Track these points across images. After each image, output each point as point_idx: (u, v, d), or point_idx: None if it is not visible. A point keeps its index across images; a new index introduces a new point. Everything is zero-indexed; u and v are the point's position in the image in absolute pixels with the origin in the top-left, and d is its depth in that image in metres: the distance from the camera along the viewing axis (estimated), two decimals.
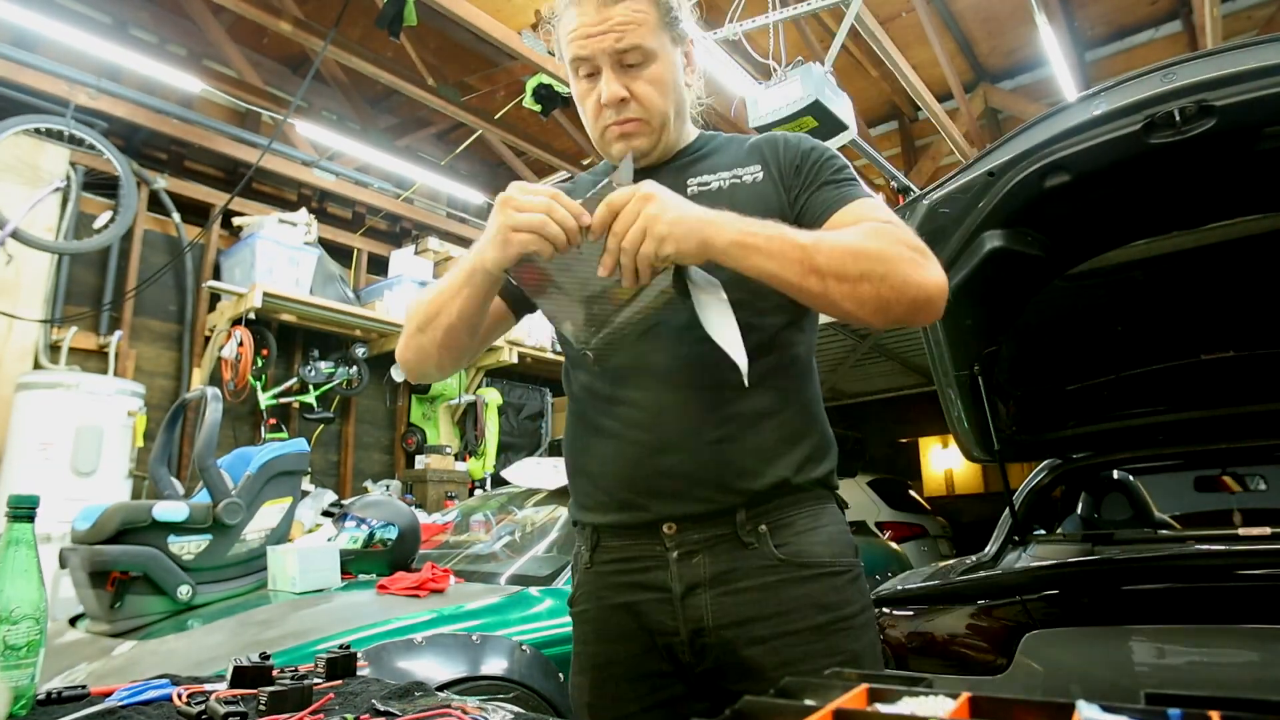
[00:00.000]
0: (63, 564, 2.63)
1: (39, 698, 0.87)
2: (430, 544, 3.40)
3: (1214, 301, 2.38)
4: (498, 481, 5.80)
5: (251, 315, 5.26)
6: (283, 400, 5.88)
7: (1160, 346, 2.51)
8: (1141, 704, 0.59)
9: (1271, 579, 1.81)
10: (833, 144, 4.15)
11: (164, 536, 2.59)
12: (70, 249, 4.89)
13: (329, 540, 2.99)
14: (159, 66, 5.00)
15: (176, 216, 5.51)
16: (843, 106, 3.98)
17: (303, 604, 2.46)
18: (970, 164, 1.88)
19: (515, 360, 6.73)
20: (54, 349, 4.86)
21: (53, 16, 4.54)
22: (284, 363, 6.07)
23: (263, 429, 5.73)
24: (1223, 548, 2.35)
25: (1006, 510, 2.87)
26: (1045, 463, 3.06)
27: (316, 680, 0.97)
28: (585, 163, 7.24)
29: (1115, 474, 3.18)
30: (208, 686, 0.95)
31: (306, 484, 5.54)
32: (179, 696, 0.89)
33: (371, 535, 2.98)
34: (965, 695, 0.62)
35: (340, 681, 1.00)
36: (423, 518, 3.95)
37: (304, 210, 6.01)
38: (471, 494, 6.12)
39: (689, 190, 1.16)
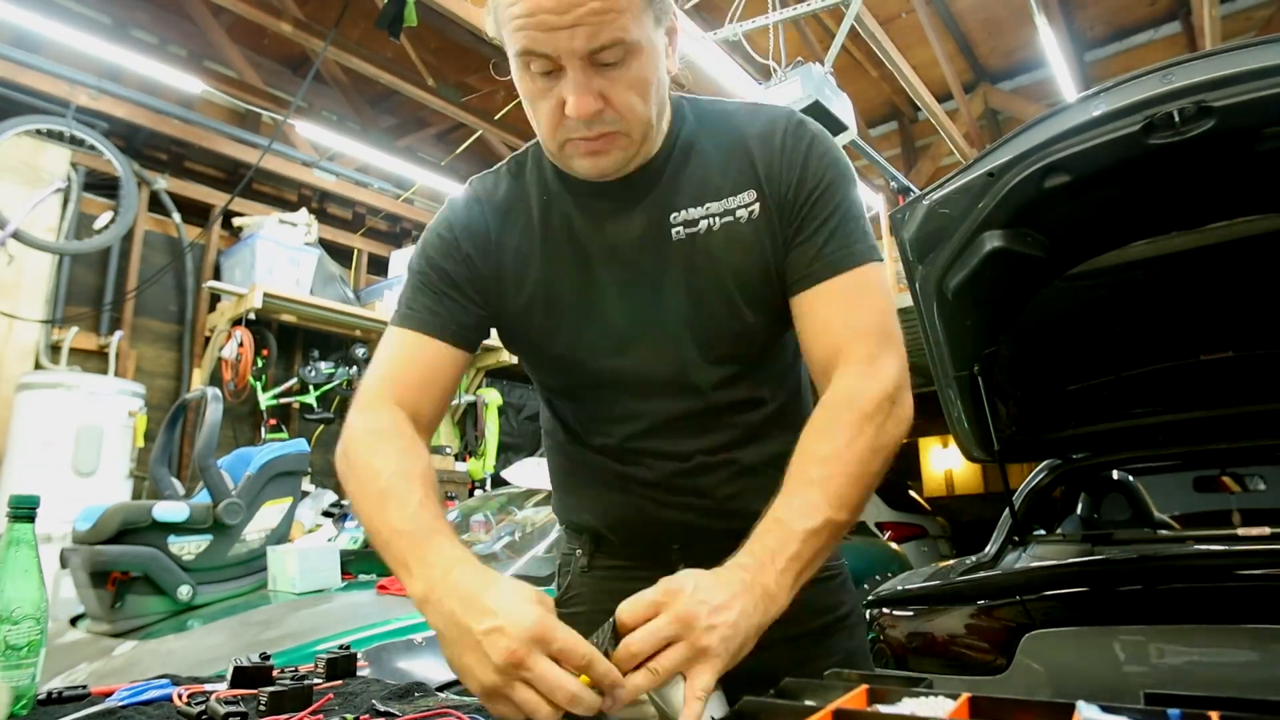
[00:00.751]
0: (63, 564, 2.63)
1: (40, 697, 0.87)
2: None
3: (1213, 302, 2.38)
4: (498, 482, 5.80)
5: (252, 315, 5.26)
6: (283, 400, 5.88)
7: (1160, 346, 2.51)
8: (1141, 704, 0.59)
9: (1271, 579, 1.81)
10: None
11: (164, 537, 2.60)
12: (71, 249, 4.89)
13: (329, 540, 2.99)
14: (159, 67, 5.01)
15: (177, 217, 5.52)
16: (843, 107, 3.98)
17: (303, 604, 2.46)
18: (970, 164, 1.88)
19: (515, 360, 6.70)
20: (55, 349, 4.87)
21: (53, 17, 4.54)
22: (284, 363, 6.07)
23: (263, 429, 5.73)
24: (1222, 548, 2.35)
25: (1006, 510, 2.86)
26: (1045, 463, 3.05)
27: (316, 680, 0.97)
28: None
29: (1115, 474, 3.18)
30: (208, 687, 0.95)
31: (306, 484, 5.54)
32: (179, 697, 0.89)
33: None
34: (965, 695, 0.62)
35: (340, 682, 1.00)
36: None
37: (304, 210, 6.02)
38: (471, 494, 6.12)
39: (674, 234, 0.95)
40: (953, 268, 1.98)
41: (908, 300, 2.17)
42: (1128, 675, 1.83)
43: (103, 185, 5.11)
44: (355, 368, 6.12)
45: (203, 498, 2.79)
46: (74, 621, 2.69)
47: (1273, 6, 6.48)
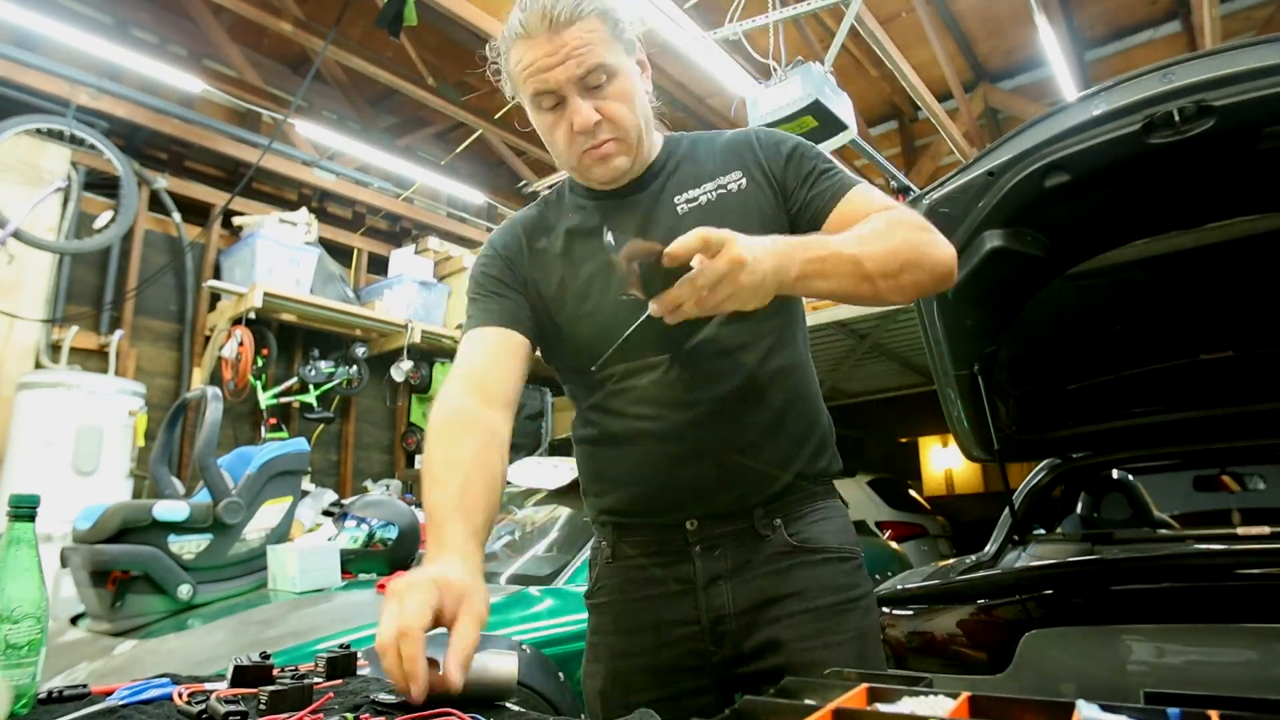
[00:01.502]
0: (64, 563, 2.63)
1: (40, 696, 0.87)
2: None
3: (1214, 301, 2.38)
4: None
5: (252, 315, 5.26)
6: (283, 400, 5.88)
7: (1160, 346, 2.51)
8: (1141, 703, 0.59)
9: (1270, 578, 1.82)
10: (832, 144, 4.18)
11: (164, 536, 2.60)
12: (71, 249, 4.89)
13: (329, 540, 2.99)
14: (159, 66, 5.01)
15: (177, 216, 5.52)
16: (843, 106, 3.98)
17: (303, 603, 2.46)
18: (970, 164, 1.88)
19: None
20: (55, 349, 4.87)
21: (53, 16, 4.54)
22: (284, 362, 6.07)
23: (263, 429, 5.73)
24: (1222, 547, 2.35)
25: (1006, 510, 2.87)
26: (1045, 462, 3.05)
27: (317, 680, 0.97)
28: None
29: (1115, 474, 3.18)
30: (208, 686, 0.95)
31: (306, 484, 5.55)
32: (179, 696, 0.89)
33: (371, 535, 2.98)
34: (965, 695, 0.62)
35: (340, 681, 1.00)
36: (423, 518, 3.95)
37: (304, 210, 6.02)
38: None
39: (679, 209, 1.16)
40: None
41: None
42: (1128, 674, 1.83)
43: (103, 185, 5.11)
44: (355, 367, 6.12)
45: (203, 497, 2.79)
46: (74, 621, 2.70)
47: (1273, 6, 6.47)
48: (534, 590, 2.61)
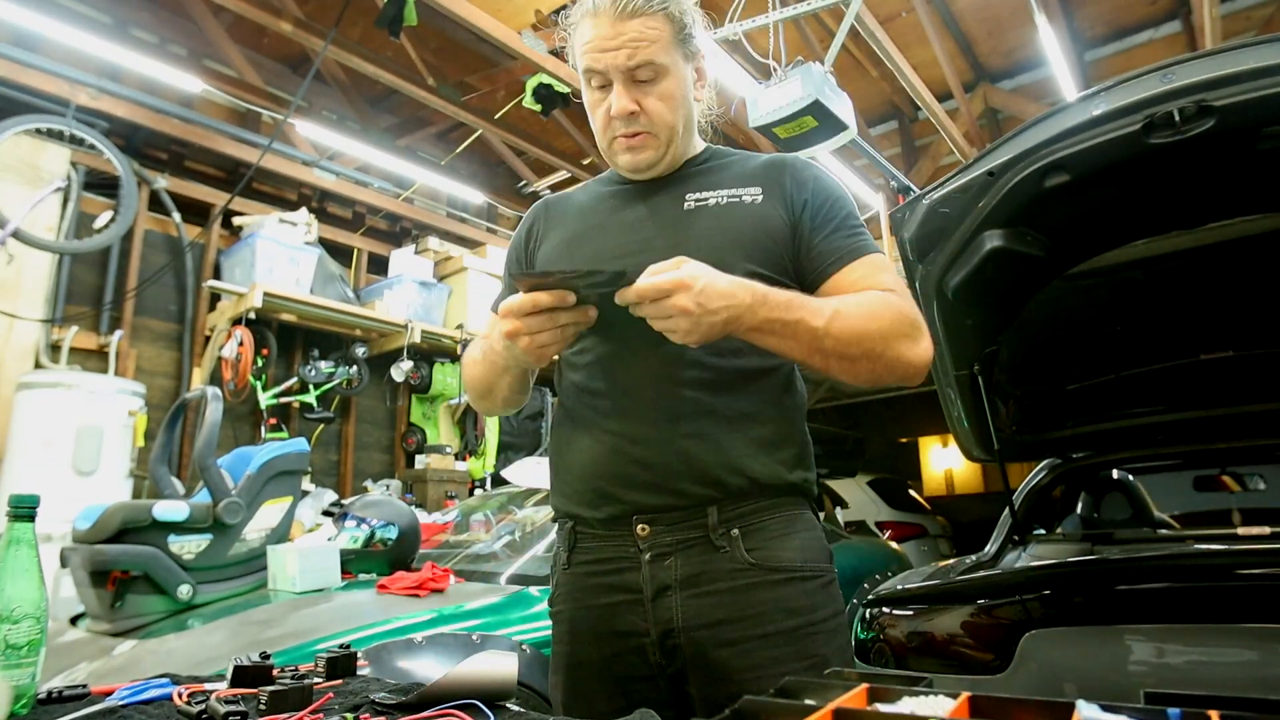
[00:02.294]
0: (63, 563, 2.63)
1: (40, 697, 0.87)
2: (430, 544, 3.40)
3: (1214, 301, 2.38)
4: (498, 481, 5.81)
5: (252, 315, 5.26)
6: (283, 400, 5.88)
7: (1160, 346, 2.51)
8: (1141, 703, 0.59)
9: (1271, 578, 1.82)
10: (832, 144, 4.17)
11: (164, 536, 2.60)
12: (71, 249, 4.89)
13: (329, 540, 2.99)
14: (159, 66, 5.01)
15: (177, 216, 5.51)
16: (843, 106, 3.98)
17: (303, 604, 2.46)
18: (970, 164, 1.88)
19: None
20: (55, 349, 4.87)
21: (53, 16, 4.54)
22: (284, 362, 6.07)
23: (263, 429, 5.73)
24: (1222, 547, 2.35)
25: (1006, 510, 2.87)
26: (1045, 462, 3.06)
27: (316, 680, 0.97)
28: (585, 162, 7.24)
29: (1115, 474, 3.18)
30: (208, 686, 0.95)
31: (306, 484, 5.55)
32: (179, 696, 0.89)
33: (371, 535, 2.98)
34: (965, 695, 0.62)
35: (340, 681, 1.00)
36: (423, 517, 3.95)
37: (304, 210, 6.01)
38: (471, 494, 6.12)
39: (686, 204, 1.19)
40: (953, 267, 1.98)
41: None
42: (1128, 675, 1.83)
43: (103, 184, 5.11)
44: (355, 367, 6.12)
45: (203, 497, 2.79)
46: (74, 621, 2.69)
47: (1273, 6, 6.47)
48: (534, 590, 2.61)
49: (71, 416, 4.30)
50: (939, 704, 0.62)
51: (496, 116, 6.20)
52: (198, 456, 2.77)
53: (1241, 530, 2.50)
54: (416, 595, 2.49)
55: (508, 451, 6.90)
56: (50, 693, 0.89)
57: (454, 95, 5.91)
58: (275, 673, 0.95)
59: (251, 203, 6.02)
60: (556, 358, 1.28)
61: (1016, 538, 2.79)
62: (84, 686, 0.93)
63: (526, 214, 1.37)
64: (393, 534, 2.96)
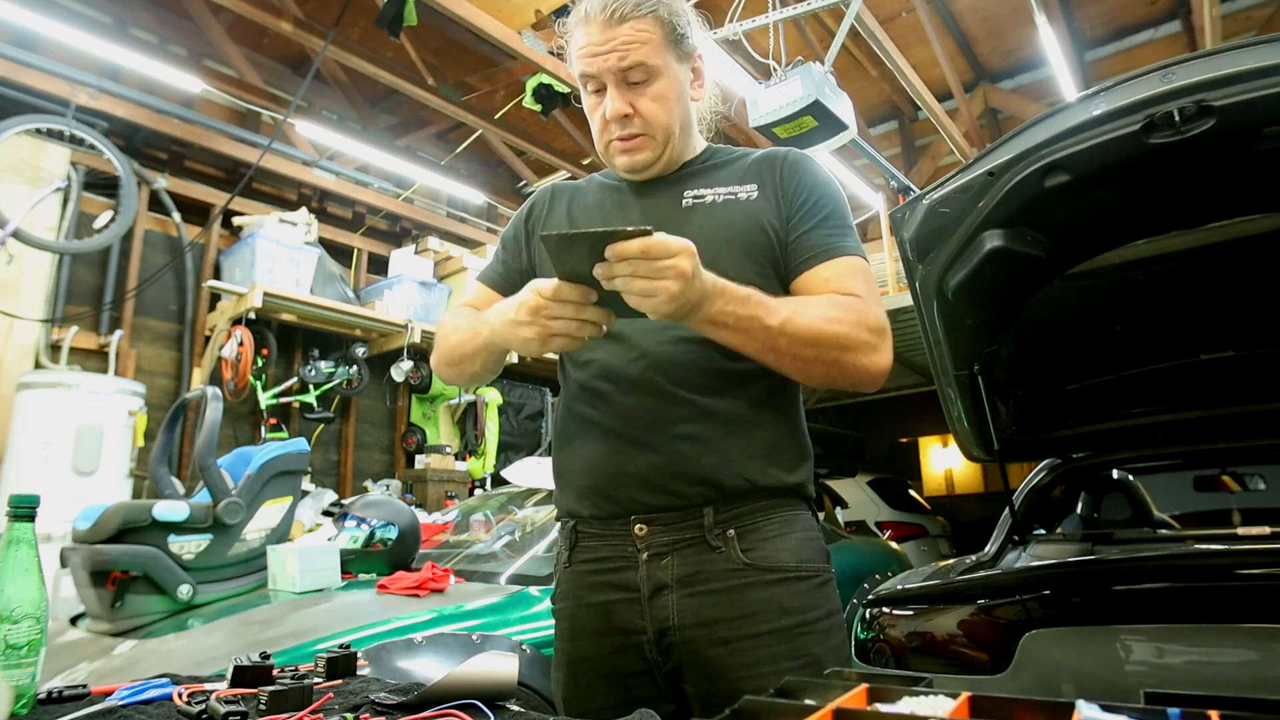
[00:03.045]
0: (63, 563, 2.63)
1: (40, 697, 0.87)
2: (430, 544, 3.40)
3: (1214, 301, 2.38)
4: (498, 481, 5.81)
5: (252, 315, 5.26)
6: (283, 400, 5.88)
7: (1160, 346, 2.51)
8: (1141, 703, 0.59)
9: (1271, 579, 1.81)
10: (832, 144, 4.18)
11: (164, 536, 2.60)
12: (71, 249, 4.89)
13: (329, 540, 2.99)
14: (159, 66, 5.01)
15: (177, 216, 5.51)
16: (843, 106, 3.98)
17: (303, 604, 2.46)
18: (970, 164, 1.88)
19: (515, 360, 6.72)
20: (54, 349, 4.87)
21: (53, 16, 4.54)
22: (284, 362, 6.07)
23: (263, 429, 5.73)
24: (1222, 547, 2.35)
25: (1006, 510, 2.87)
26: (1045, 462, 3.06)
27: (316, 680, 0.97)
28: (585, 162, 7.24)
29: (1115, 474, 3.19)
30: (208, 686, 0.95)
31: (306, 484, 5.54)
32: (179, 696, 0.89)
33: (371, 535, 2.98)
34: (965, 695, 0.62)
35: (340, 681, 1.00)
36: (423, 517, 3.95)
37: (304, 210, 6.01)
38: (471, 494, 6.12)
39: (684, 201, 1.21)
40: (953, 267, 1.98)
41: (907, 300, 2.17)
42: (1128, 675, 1.83)
43: (103, 184, 5.11)
44: (355, 367, 6.12)
45: (203, 497, 2.79)
46: (74, 621, 2.69)
47: (1273, 6, 6.47)
48: (534, 590, 2.61)
49: (71, 416, 4.30)
50: (939, 704, 0.62)
51: (496, 116, 6.20)
52: (198, 456, 2.77)
53: (1241, 530, 2.50)
54: (416, 595, 2.49)
55: (507, 452, 6.90)
56: (50, 693, 0.89)
57: (454, 95, 5.91)
58: (275, 673, 0.95)
59: (251, 203, 6.02)
60: (556, 356, 1.28)
61: (1016, 538, 2.79)
62: (84, 686, 0.93)
63: (532, 196, 1.39)
64: (393, 534, 2.96)
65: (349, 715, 0.81)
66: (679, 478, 1.12)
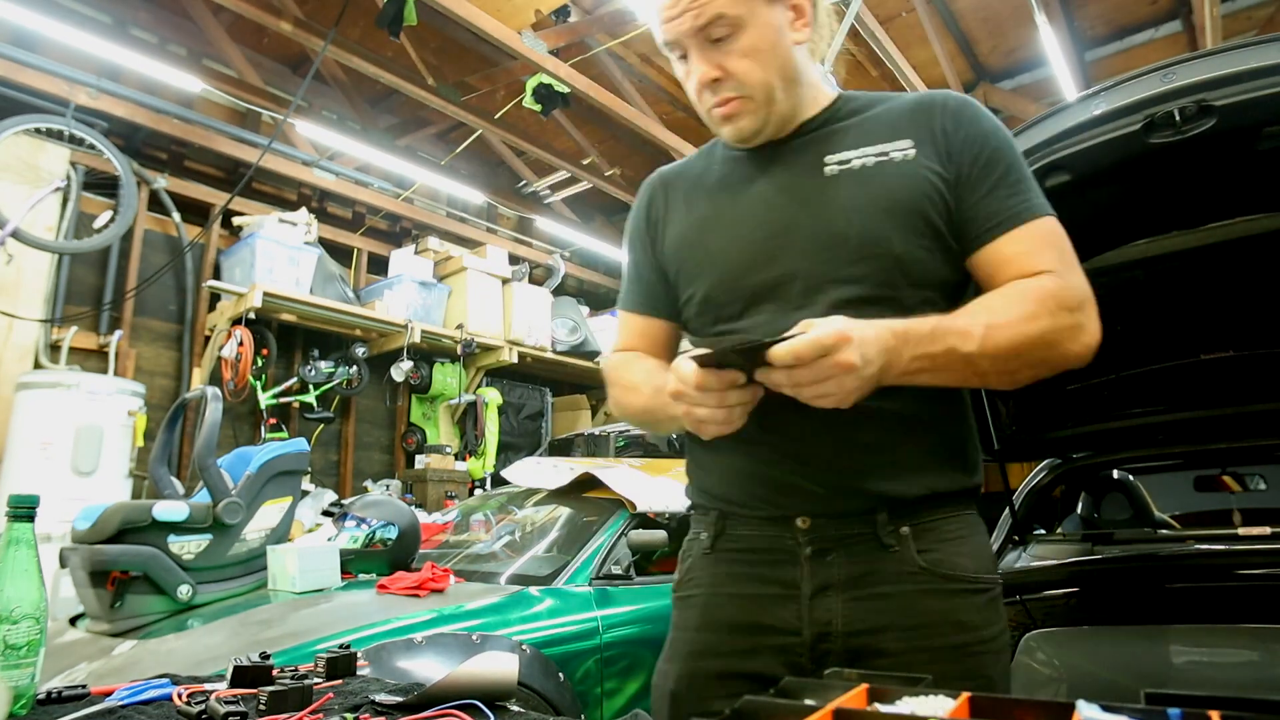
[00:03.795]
0: (63, 563, 2.63)
1: (39, 697, 0.87)
2: (430, 544, 3.40)
3: (1214, 301, 2.38)
4: (498, 481, 5.80)
5: (251, 315, 5.26)
6: (283, 400, 5.88)
7: (1160, 346, 2.51)
8: (1141, 704, 0.59)
9: (1271, 578, 1.81)
10: None
11: (164, 536, 2.60)
12: (70, 249, 4.89)
13: (329, 540, 2.99)
14: (159, 66, 5.00)
15: (177, 216, 5.51)
16: None
17: (303, 604, 2.46)
18: None
19: (515, 360, 6.73)
20: (54, 348, 4.87)
21: (53, 16, 4.53)
22: (284, 362, 6.07)
23: (263, 429, 5.73)
24: (1222, 547, 2.35)
25: (1006, 510, 2.86)
26: (1045, 462, 3.05)
27: (316, 680, 0.97)
28: (585, 162, 7.24)
29: (1115, 474, 3.18)
30: (208, 686, 0.95)
31: (306, 484, 5.54)
32: (179, 696, 0.89)
33: (371, 535, 2.98)
34: (965, 695, 0.62)
35: (340, 681, 1.00)
36: (423, 517, 3.95)
37: (304, 210, 6.01)
38: (471, 494, 6.12)
39: (827, 168, 1.05)
40: None
41: None
42: (1128, 675, 1.83)
43: (102, 184, 5.11)
44: (355, 367, 6.12)
45: (203, 497, 2.79)
46: (74, 621, 2.69)
47: (1273, 6, 6.47)
48: (534, 590, 2.60)
49: (71, 416, 4.30)
50: (939, 704, 0.62)
51: (496, 116, 6.20)
52: (198, 456, 2.77)
53: (1242, 530, 2.50)
54: (416, 595, 2.49)
55: (507, 452, 6.91)
56: (50, 693, 0.89)
57: (454, 95, 5.91)
58: (275, 673, 0.95)
59: (251, 203, 6.02)
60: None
61: (1017, 538, 2.79)
62: (84, 687, 0.93)
63: (641, 191, 1.26)
64: (393, 534, 2.96)
65: (349, 715, 0.81)
66: (853, 492, 1.00)
